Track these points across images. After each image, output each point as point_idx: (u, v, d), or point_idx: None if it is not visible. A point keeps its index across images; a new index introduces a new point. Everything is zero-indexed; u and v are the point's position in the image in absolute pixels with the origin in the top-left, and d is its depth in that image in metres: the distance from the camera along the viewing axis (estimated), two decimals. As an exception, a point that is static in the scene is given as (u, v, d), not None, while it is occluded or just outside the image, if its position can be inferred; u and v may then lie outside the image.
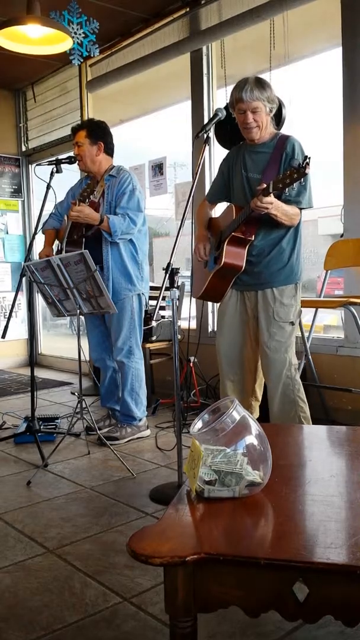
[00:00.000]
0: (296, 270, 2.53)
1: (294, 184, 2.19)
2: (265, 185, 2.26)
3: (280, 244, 2.49)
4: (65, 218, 3.23)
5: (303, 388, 2.56)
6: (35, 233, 3.20)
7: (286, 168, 2.34)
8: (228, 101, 2.51)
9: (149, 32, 4.44)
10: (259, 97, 2.38)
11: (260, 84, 2.41)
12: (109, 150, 3.27)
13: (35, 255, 4.97)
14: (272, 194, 2.25)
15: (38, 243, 3.44)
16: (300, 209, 2.45)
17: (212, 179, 4.16)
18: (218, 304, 2.77)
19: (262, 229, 2.46)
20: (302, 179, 2.19)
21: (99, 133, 3.22)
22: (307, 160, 2.15)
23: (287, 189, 2.23)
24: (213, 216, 2.79)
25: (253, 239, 2.46)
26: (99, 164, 3.24)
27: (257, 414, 2.74)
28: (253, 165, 2.51)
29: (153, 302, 3.50)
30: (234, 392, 2.64)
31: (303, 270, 2.59)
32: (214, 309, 4.28)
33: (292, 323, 2.51)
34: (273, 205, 2.30)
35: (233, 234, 2.44)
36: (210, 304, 4.25)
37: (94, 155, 3.20)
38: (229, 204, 2.63)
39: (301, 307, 2.62)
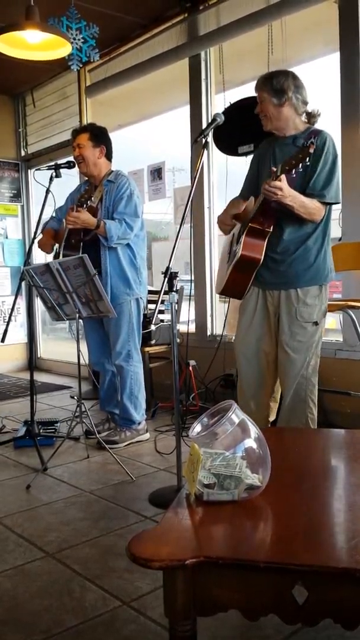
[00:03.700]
0: (322, 271, 2.45)
1: (301, 164, 2.17)
2: (274, 169, 2.25)
3: (307, 243, 2.42)
4: (64, 222, 3.24)
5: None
6: (34, 237, 3.21)
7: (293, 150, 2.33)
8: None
9: (148, 37, 4.46)
10: (262, 88, 2.43)
11: (269, 75, 2.45)
12: (109, 155, 3.29)
13: (35, 259, 4.99)
14: (281, 177, 2.22)
15: (37, 247, 3.45)
16: (325, 203, 2.39)
17: (211, 184, 4.21)
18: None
19: (289, 226, 2.41)
20: (308, 158, 2.16)
21: (101, 137, 3.24)
22: (312, 140, 2.16)
23: (295, 170, 2.20)
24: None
25: (271, 230, 2.39)
26: (99, 168, 3.25)
27: (274, 414, 2.68)
28: (282, 158, 2.43)
29: (152, 306, 3.51)
30: (251, 391, 2.59)
31: (331, 271, 2.51)
32: (213, 312, 4.29)
33: (316, 323, 2.44)
34: (283, 190, 2.24)
35: (250, 224, 2.38)
36: (208, 306, 4.27)
37: (96, 158, 3.22)
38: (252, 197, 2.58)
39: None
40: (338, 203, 2.47)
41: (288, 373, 2.47)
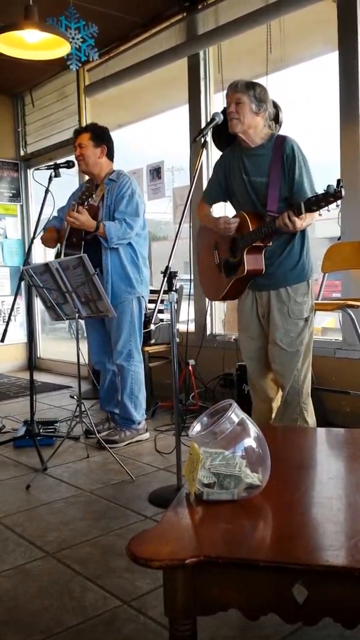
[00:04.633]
0: (307, 268, 2.55)
1: (328, 207, 2.23)
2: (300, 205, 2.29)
3: (292, 244, 2.51)
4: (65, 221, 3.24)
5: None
6: (34, 237, 3.21)
7: (313, 193, 2.36)
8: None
9: (147, 37, 4.45)
10: (243, 91, 2.46)
11: (250, 83, 2.50)
12: (111, 155, 3.30)
13: (35, 259, 4.99)
14: (304, 216, 2.29)
15: (37, 247, 3.45)
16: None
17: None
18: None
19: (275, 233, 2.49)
20: (339, 202, 2.22)
21: (102, 137, 3.25)
22: (341, 184, 2.18)
23: (320, 211, 2.26)
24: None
25: (271, 244, 2.49)
26: (100, 167, 3.26)
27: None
28: (254, 169, 2.51)
29: (152, 306, 3.51)
30: (264, 391, 2.67)
31: (313, 266, 2.60)
32: (212, 312, 4.29)
33: (306, 320, 2.53)
34: (300, 222, 2.33)
35: (254, 244, 2.46)
36: (208, 307, 4.27)
37: (97, 157, 3.23)
38: (240, 212, 2.62)
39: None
40: None
41: (285, 368, 2.53)
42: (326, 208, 2.23)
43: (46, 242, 3.34)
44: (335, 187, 2.18)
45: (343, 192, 2.16)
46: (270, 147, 2.48)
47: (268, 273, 2.52)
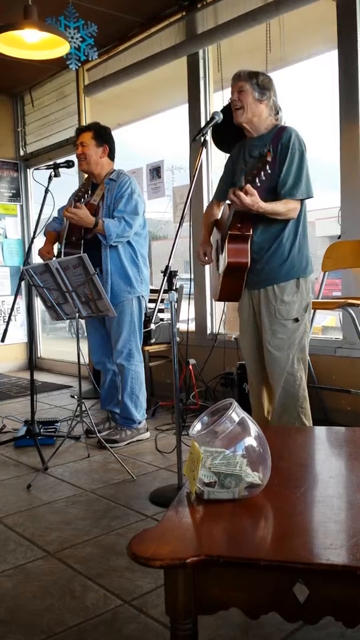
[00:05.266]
0: (297, 265, 2.47)
1: (262, 173, 2.23)
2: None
3: (280, 239, 2.45)
4: (65, 220, 3.25)
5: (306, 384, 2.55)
6: (34, 237, 3.20)
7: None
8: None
9: (146, 36, 4.46)
10: (245, 79, 2.46)
11: (253, 71, 2.49)
12: (112, 155, 3.30)
13: (35, 259, 4.99)
14: (246, 188, 2.26)
15: (37, 247, 3.45)
16: (298, 199, 2.41)
17: (210, 182, 4.22)
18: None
19: (260, 225, 2.43)
20: (268, 167, 2.23)
21: (104, 136, 3.26)
22: (268, 147, 2.24)
23: (258, 179, 2.25)
24: (219, 217, 2.79)
25: (251, 233, 2.43)
26: (102, 167, 3.26)
27: None
28: (252, 159, 2.50)
29: (152, 305, 3.51)
30: (256, 388, 2.65)
31: (309, 264, 2.52)
32: (212, 311, 4.30)
33: (297, 320, 2.45)
34: (245, 200, 2.26)
35: (230, 232, 2.43)
36: (208, 306, 4.27)
37: (98, 157, 3.23)
38: (227, 203, 2.63)
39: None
40: (310, 197, 2.46)
41: (273, 371, 2.50)
42: (262, 174, 2.23)
43: (42, 257, 3.32)
44: (262, 150, 2.24)
45: (269, 157, 2.21)
46: (270, 137, 2.46)
47: (257, 269, 2.47)
